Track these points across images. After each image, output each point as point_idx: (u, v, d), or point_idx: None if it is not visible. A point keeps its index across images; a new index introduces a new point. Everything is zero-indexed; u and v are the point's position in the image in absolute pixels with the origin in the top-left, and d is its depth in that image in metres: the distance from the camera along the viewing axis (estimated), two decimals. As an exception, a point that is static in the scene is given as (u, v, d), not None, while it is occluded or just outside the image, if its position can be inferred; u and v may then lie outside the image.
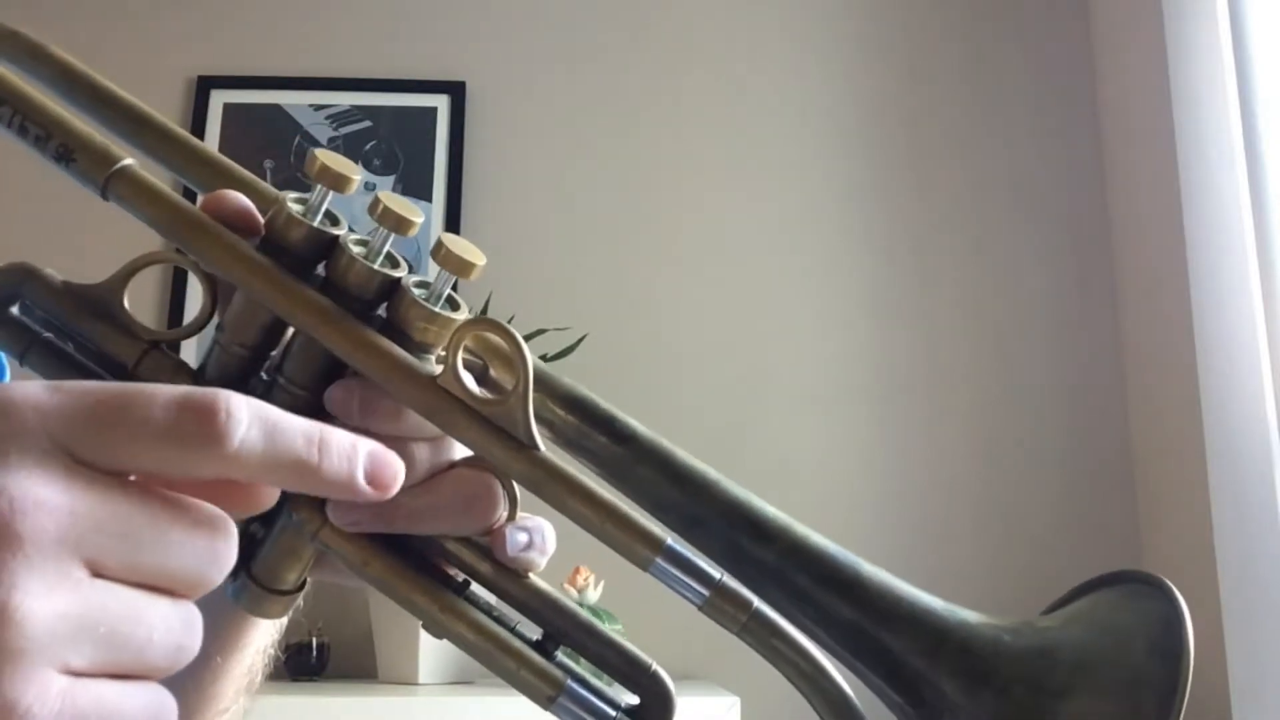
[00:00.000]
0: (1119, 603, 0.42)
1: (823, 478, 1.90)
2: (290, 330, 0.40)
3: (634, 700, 0.41)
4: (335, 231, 0.39)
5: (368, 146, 2.04)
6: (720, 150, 2.07)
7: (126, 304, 0.40)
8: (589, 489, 0.38)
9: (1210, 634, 1.51)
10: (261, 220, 0.39)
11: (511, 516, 0.40)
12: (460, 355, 0.37)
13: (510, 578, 0.41)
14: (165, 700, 0.29)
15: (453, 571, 0.41)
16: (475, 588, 0.41)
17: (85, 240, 1.44)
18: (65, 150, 0.38)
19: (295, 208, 0.38)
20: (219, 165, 0.46)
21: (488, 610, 0.40)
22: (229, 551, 0.30)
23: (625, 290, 2.00)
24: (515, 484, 0.40)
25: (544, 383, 0.41)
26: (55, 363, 0.39)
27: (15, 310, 0.40)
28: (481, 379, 0.40)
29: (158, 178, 0.41)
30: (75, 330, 0.40)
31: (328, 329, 0.37)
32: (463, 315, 0.39)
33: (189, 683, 0.50)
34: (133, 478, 0.29)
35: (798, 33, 2.13)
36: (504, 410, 0.37)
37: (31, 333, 0.40)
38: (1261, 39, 1.57)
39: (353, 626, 1.69)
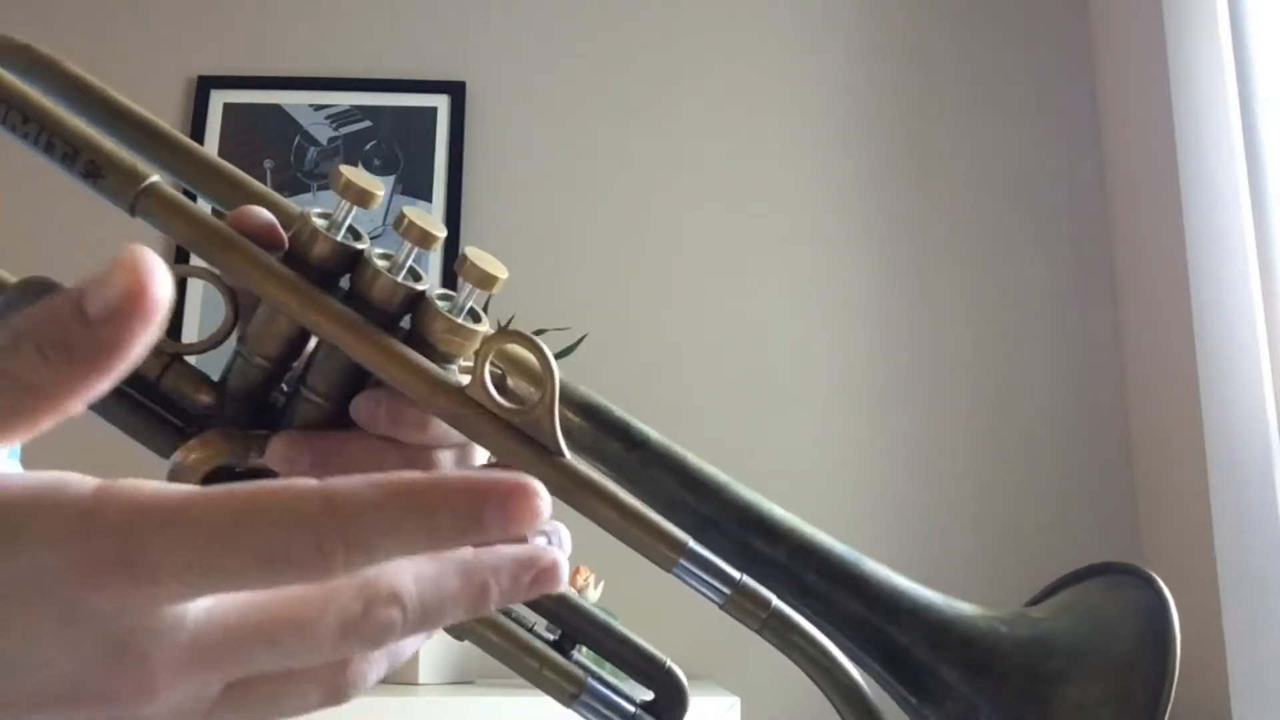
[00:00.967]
0: (1107, 593, 0.45)
1: (822, 476, 1.91)
2: (312, 343, 0.40)
3: (649, 696, 0.42)
4: (359, 246, 0.39)
5: (368, 146, 2.05)
6: (720, 150, 2.08)
7: None
8: (613, 494, 0.39)
9: (1210, 633, 1.51)
10: (284, 235, 0.40)
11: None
12: (489, 366, 0.38)
13: None
14: None
15: None
16: None
17: (108, 256, 1.45)
18: (94, 167, 0.38)
19: (320, 223, 0.39)
20: (236, 180, 0.46)
21: (506, 612, 0.41)
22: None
23: (625, 290, 2.00)
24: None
25: (560, 390, 0.41)
26: None
27: None
28: (501, 387, 0.41)
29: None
30: None
31: (358, 341, 0.38)
32: (484, 327, 0.40)
33: None
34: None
35: (798, 33, 2.13)
36: (531, 419, 0.38)
37: None
38: (1261, 39, 1.58)
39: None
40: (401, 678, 1.58)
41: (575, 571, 1.56)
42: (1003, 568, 1.84)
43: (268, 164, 2.03)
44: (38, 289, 0.41)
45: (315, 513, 0.26)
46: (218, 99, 2.08)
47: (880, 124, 2.09)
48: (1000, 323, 2.00)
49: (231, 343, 0.41)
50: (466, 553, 0.30)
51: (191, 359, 0.41)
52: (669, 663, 0.43)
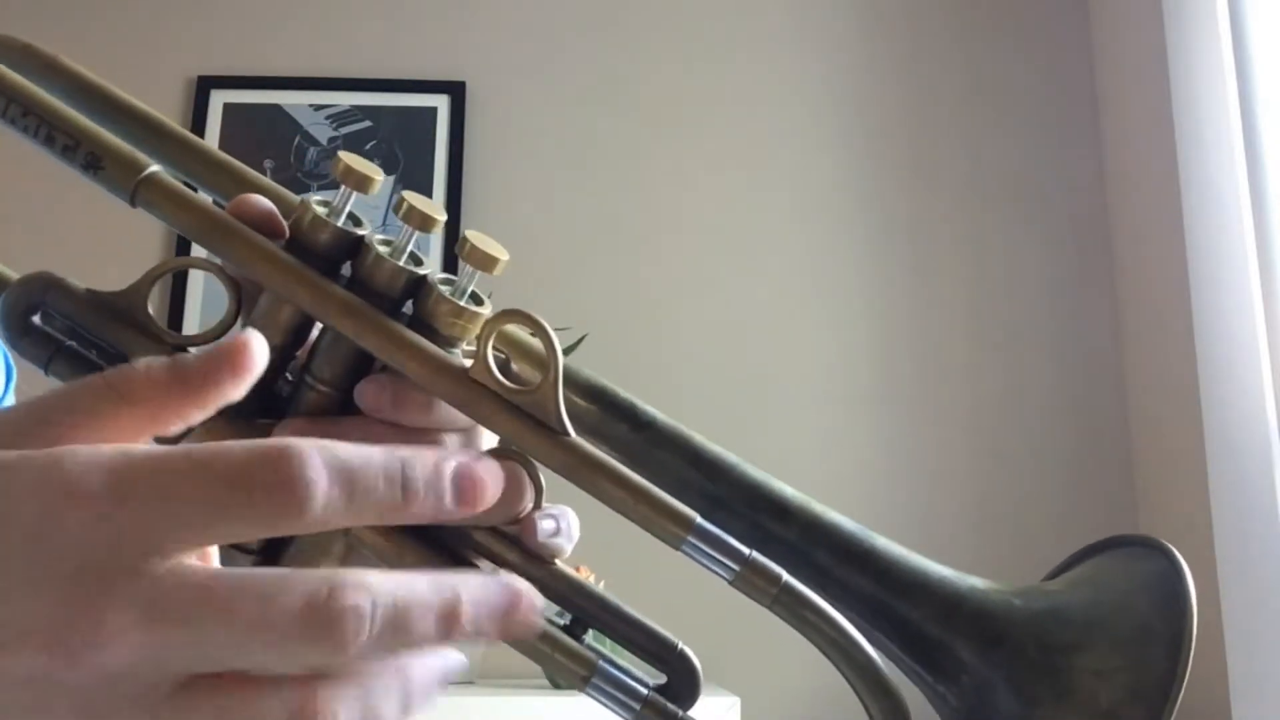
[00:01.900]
0: (1121, 565, 0.45)
1: (823, 475, 1.91)
2: (316, 330, 0.40)
3: (661, 679, 0.42)
4: (360, 232, 0.39)
5: (368, 146, 2.05)
6: (720, 150, 2.08)
7: (151, 310, 0.40)
8: (621, 472, 0.39)
9: (1209, 630, 1.51)
10: (285, 223, 0.40)
11: (538, 505, 0.41)
12: (491, 347, 0.38)
13: (538, 564, 0.41)
14: None
15: (481, 562, 0.41)
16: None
17: (105, 250, 1.45)
18: (94, 159, 0.38)
19: (320, 210, 0.39)
20: (237, 173, 0.46)
21: None
22: None
23: (625, 290, 2.01)
24: (540, 473, 0.41)
25: (565, 373, 0.41)
26: (80, 371, 0.40)
27: (38, 319, 0.40)
28: (504, 371, 0.41)
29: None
30: (99, 337, 0.40)
31: (361, 327, 0.38)
32: (487, 310, 0.40)
33: None
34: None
35: (798, 33, 2.13)
36: (536, 399, 0.38)
37: (55, 341, 0.40)
38: (1261, 39, 1.58)
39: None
40: (401, 678, 1.57)
41: (576, 570, 1.56)
42: (1002, 568, 1.83)
43: (267, 164, 2.03)
44: (42, 285, 0.41)
45: (280, 444, 0.28)
46: (218, 99, 2.08)
47: (881, 124, 2.09)
48: (1000, 322, 2.00)
49: (235, 333, 0.41)
50: (448, 577, 0.30)
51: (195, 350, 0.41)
52: (681, 645, 0.42)
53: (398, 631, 0.28)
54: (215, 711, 0.27)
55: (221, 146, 2.02)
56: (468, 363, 0.38)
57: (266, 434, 0.39)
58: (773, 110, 2.10)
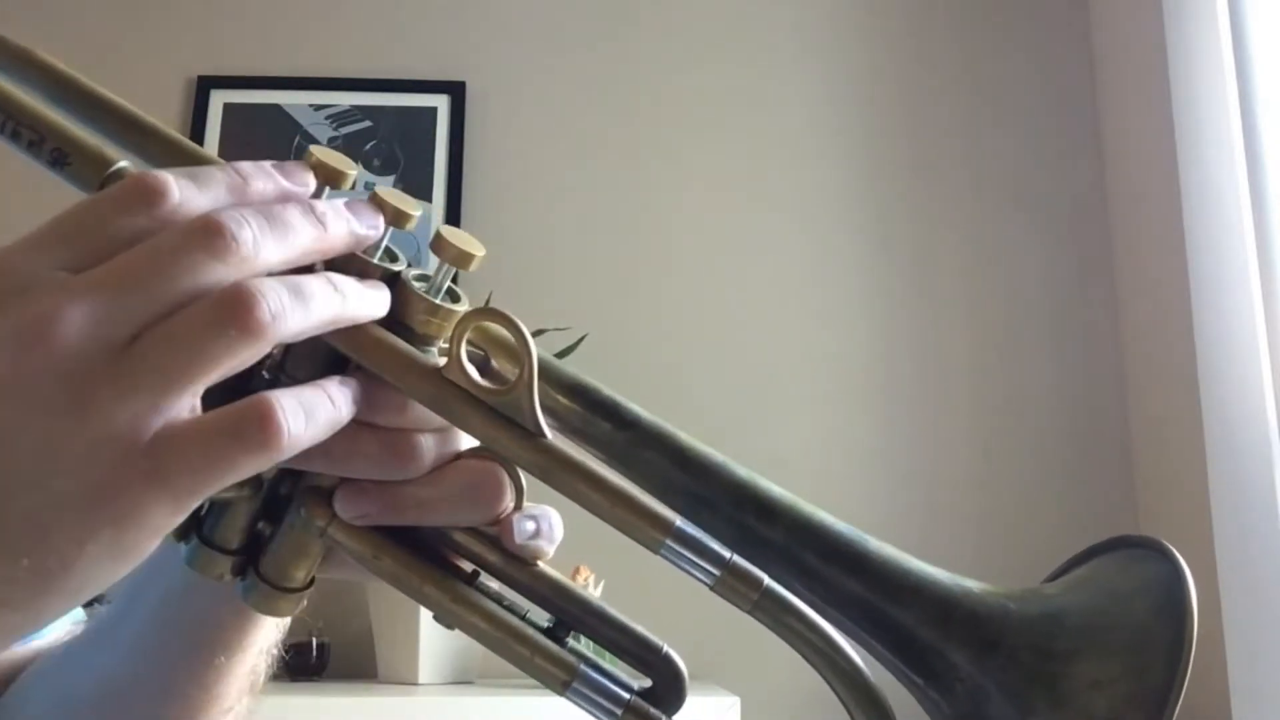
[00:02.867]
0: (1120, 567, 0.43)
1: (822, 475, 1.90)
2: None
3: (646, 683, 0.41)
4: None
5: (368, 146, 2.04)
6: (720, 149, 2.07)
7: None
8: (597, 474, 0.38)
9: (1209, 631, 1.51)
10: None
11: (518, 505, 0.41)
12: (464, 346, 0.37)
13: (519, 566, 0.41)
14: None
15: (462, 562, 0.41)
16: (484, 578, 0.41)
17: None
18: (60, 154, 0.38)
19: None
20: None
21: (498, 599, 0.40)
22: None
23: (625, 290, 2.00)
24: (521, 473, 0.40)
25: (546, 371, 0.41)
26: None
27: None
28: (484, 369, 0.40)
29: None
30: None
31: None
32: (464, 307, 0.39)
33: (193, 683, 0.50)
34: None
35: (798, 33, 2.13)
36: (510, 399, 0.37)
37: None
38: (1261, 39, 1.57)
39: (353, 626, 1.69)
40: (401, 678, 1.58)
41: (575, 571, 1.56)
42: (1002, 568, 1.83)
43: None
44: None
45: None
46: (218, 99, 2.08)
47: (881, 124, 2.08)
48: (1000, 321, 1.99)
49: None
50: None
51: None
52: (665, 648, 0.42)
53: (275, 224, 0.34)
54: (163, 336, 0.31)
55: (221, 146, 2.03)
56: (442, 361, 0.38)
57: None
58: (773, 110, 2.09)
